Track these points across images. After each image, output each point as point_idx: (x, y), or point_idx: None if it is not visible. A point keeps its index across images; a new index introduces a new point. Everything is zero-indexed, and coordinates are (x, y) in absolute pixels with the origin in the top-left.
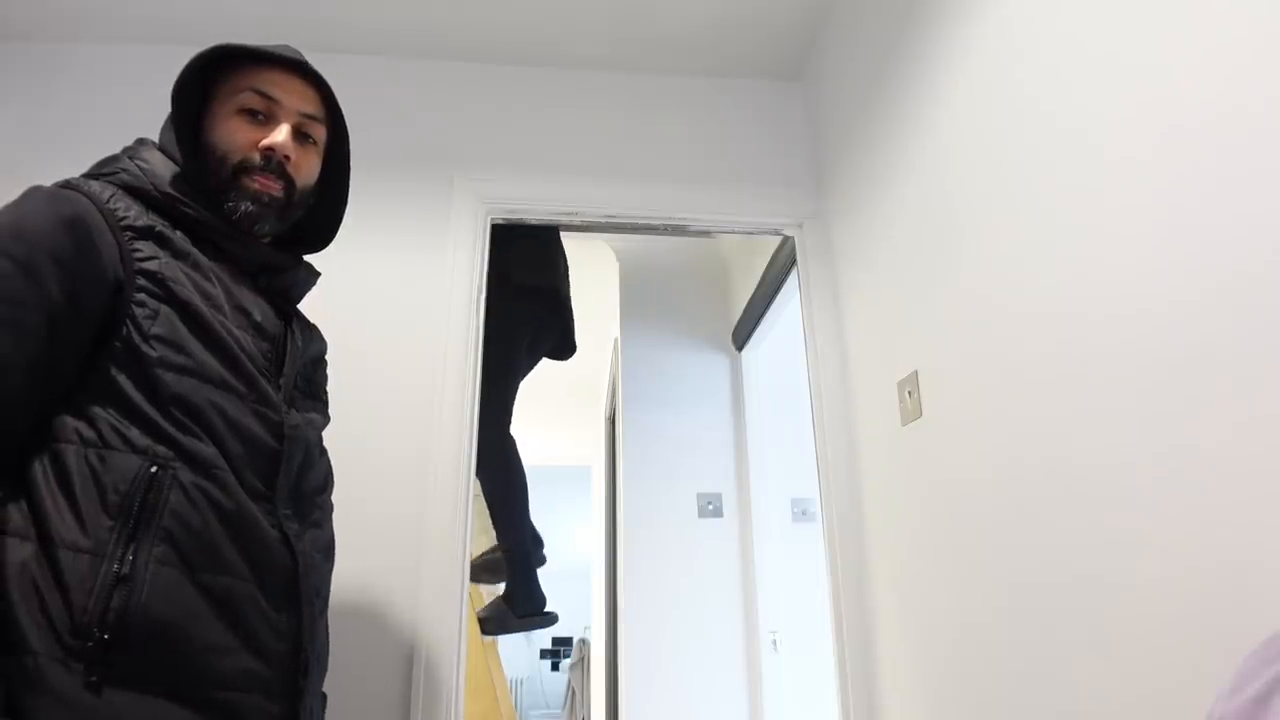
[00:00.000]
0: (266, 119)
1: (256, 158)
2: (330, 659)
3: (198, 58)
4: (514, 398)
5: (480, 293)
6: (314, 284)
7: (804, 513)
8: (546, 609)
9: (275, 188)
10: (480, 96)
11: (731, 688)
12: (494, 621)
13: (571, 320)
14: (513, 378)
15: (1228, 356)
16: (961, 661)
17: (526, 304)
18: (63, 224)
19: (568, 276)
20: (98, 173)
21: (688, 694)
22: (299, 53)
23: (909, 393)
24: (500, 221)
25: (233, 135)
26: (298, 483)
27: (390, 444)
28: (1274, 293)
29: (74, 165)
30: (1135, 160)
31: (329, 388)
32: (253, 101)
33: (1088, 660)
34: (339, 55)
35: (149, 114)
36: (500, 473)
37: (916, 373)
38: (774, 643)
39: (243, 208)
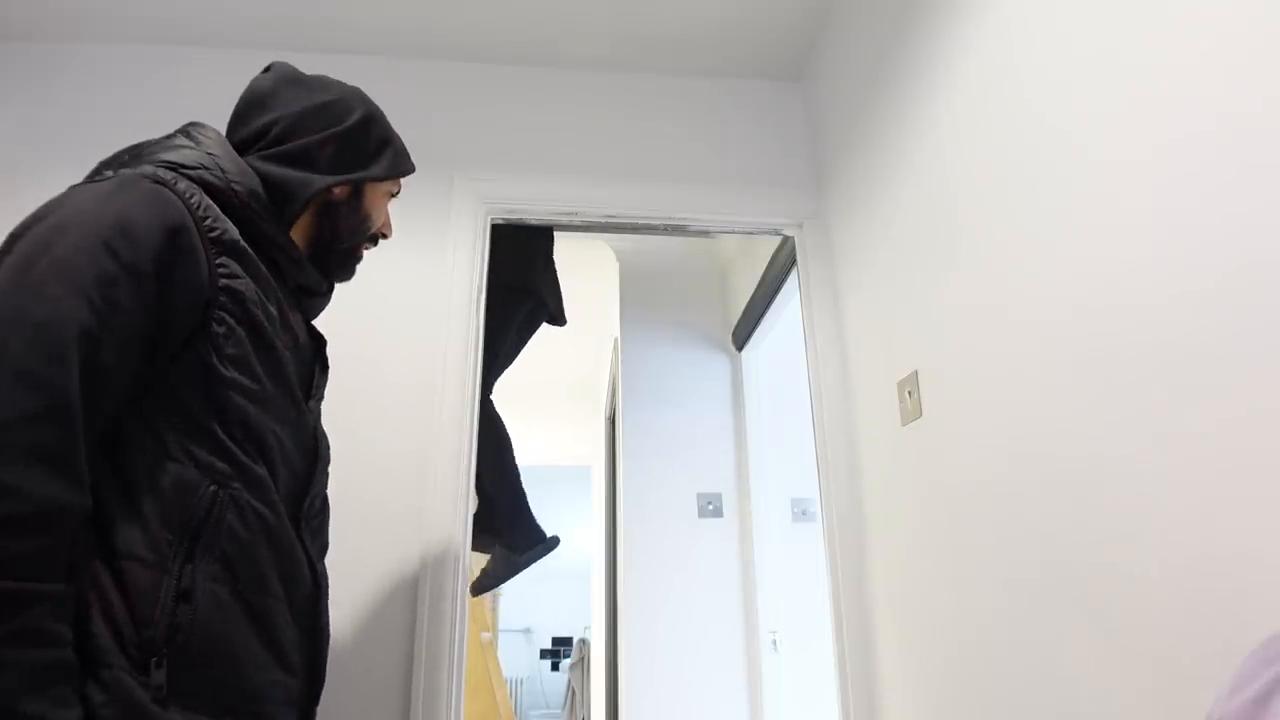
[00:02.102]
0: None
1: (377, 235)
2: (331, 659)
3: (407, 169)
4: (496, 378)
5: (480, 293)
6: (327, 304)
7: (804, 513)
8: (548, 536)
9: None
10: (480, 96)
11: (731, 688)
12: (499, 570)
13: (545, 301)
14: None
15: (1227, 354)
16: (961, 661)
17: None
18: (166, 231)
19: (529, 262)
20: (175, 163)
21: (688, 694)
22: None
23: (909, 393)
24: (500, 221)
25: (380, 215)
26: (312, 503)
27: (390, 443)
28: (1272, 289)
29: (74, 165)
30: (1133, 159)
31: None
32: (393, 197)
33: (1088, 660)
34: (339, 55)
35: (149, 114)
36: (485, 429)
37: (916, 373)
38: (774, 643)
39: (355, 268)
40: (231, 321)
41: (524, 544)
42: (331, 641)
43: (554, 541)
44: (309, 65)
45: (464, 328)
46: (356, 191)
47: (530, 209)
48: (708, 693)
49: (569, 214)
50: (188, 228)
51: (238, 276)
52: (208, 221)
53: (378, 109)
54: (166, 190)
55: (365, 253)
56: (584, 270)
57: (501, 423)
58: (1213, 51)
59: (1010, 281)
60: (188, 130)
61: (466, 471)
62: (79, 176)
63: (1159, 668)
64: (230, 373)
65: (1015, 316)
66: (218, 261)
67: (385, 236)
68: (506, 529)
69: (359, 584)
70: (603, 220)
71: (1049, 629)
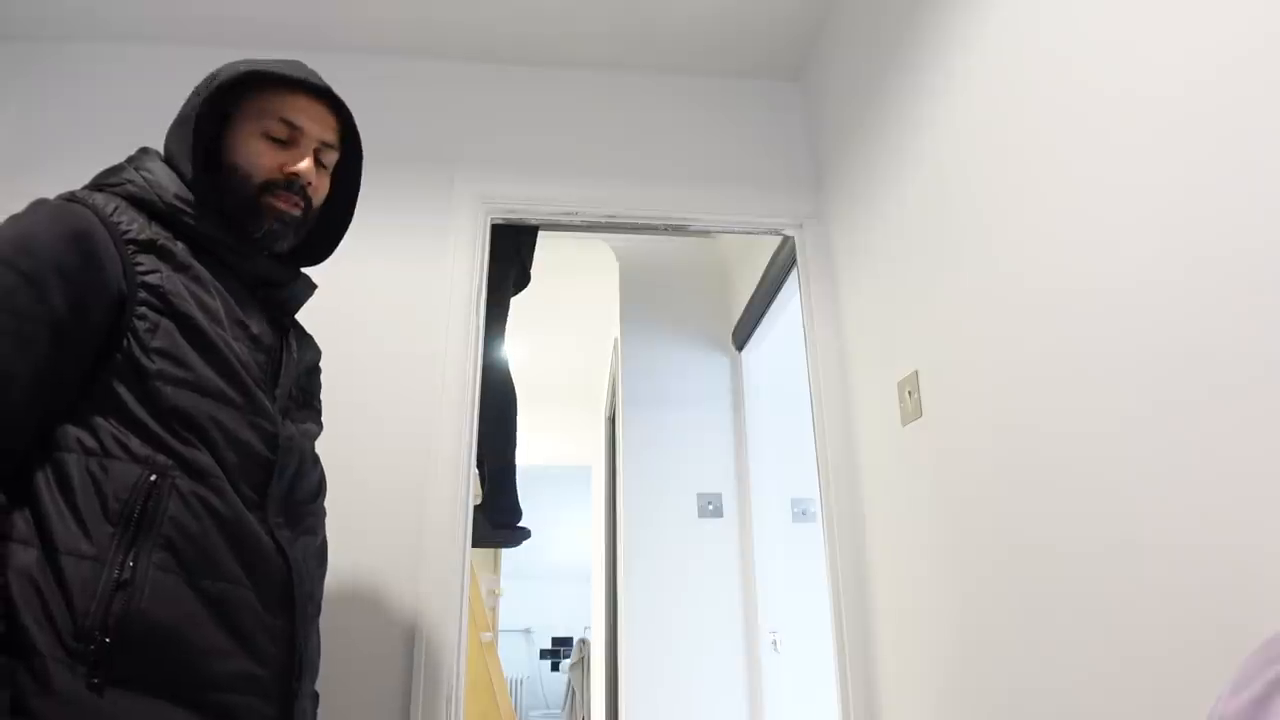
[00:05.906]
0: (288, 144)
1: (280, 179)
2: (331, 659)
3: (228, 77)
4: (505, 324)
5: (480, 293)
6: (310, 295)
7: (804, 513)
8: (520, 524)
9: (297, 208)
10: (480, 96)
11: (731, 688)
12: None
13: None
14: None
15: (1229, 355)
16: (962, 661)
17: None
18: (68, 238)
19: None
20: (102, 183)
21: (688, 694)
22: (320, 77)
23: (909, 393)
24: (500, 221)
25: (259, 158)
26: (291, 491)
27: (390, 444)
28: (1277, 290)
29: (74, 165)
30: (1137, 159)
31: (322, 393)
32: (279, 130)
33: (1089, 660)
34: (339, 54)
35: (149, 114)
36: (494, 390)
37: (916, 373)
38: (774, 643)
39: (267, 226)
40: (154, 315)
41: (500, 517)
42: (332, 642)
43: (525, 532)
44: (309, 64)
45: (464, 328)
46: (219, 150)
47: (530, 209)
48: (708, 693)
49: (569, 214)
50: (90, 233)
51: (157, 271)
52: (121, 225)
53: (248, 71)
54: (74, 204)
55: (283, 205)
56: (584, 270)
57: (513, 385)
58: (1223, 43)
59: (1012, 280)
60: (134, 154)
61: (467, 471)
62: (79, 176)
63: (1161, 667)
64: (157, 364)
65: (1016, 316)
66: (135, 260)
67: (297, 177)
68: (486, 498)
69: (360, 584)
70: (603, 220)
71: (1049, 629)
